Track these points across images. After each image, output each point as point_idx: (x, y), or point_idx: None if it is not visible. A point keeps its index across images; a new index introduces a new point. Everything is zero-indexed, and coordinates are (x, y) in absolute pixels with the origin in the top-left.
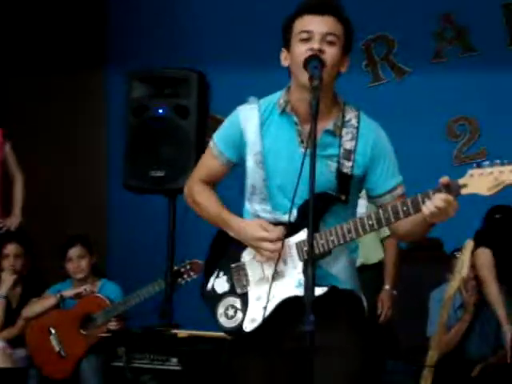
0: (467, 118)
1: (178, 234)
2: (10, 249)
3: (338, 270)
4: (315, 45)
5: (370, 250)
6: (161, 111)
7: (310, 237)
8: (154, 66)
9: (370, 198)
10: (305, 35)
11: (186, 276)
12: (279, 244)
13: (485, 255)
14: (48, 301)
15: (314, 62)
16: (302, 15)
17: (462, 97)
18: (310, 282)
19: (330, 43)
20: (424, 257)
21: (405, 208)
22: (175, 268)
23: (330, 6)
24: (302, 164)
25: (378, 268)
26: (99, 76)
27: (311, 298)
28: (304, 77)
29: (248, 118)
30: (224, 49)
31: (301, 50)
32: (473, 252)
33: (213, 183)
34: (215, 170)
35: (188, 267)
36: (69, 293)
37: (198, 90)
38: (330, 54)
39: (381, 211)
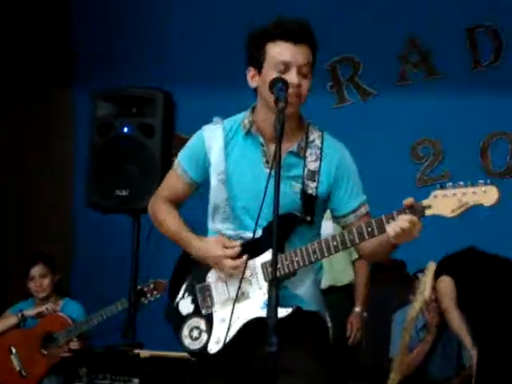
0: (431, 140)
1: (142, 253)
2: None
3: (304, 291)
4: (294, 79)
5: (340, 272)
6: (126, 130)
7: (274, 257)
8: (121, 85)
9: (335, 218)
10: (282, 67)
11: (149, 295)
12: (240, 260)
13: (446, 284)
14: (9, 320)
15: (279, 83)
16: (276, 40)
17: (426, 119)
18: (274, 303)
19: (305, 75)
20: (387, 278)
21: (369, 229)
22: (139, 287)
23: (305, 34)
24: (267, 185)
25: (347, 290)
26: (66, 96)
27: (274, 320)
28: (270, 98)
29: (212, 137)
30: (190, 69)
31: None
32: (436, 275)
33: (177, 203)
34: (179, 190)
35: (152, 286)
36: (30, 312)
37: (163, 109)
38: (305, 86)
39: (345, 232)
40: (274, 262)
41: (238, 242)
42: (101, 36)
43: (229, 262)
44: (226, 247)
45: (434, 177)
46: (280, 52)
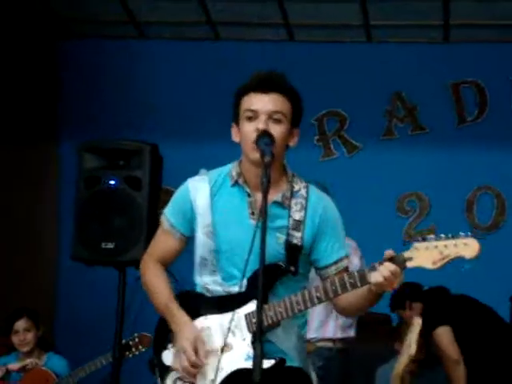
0: (417, 193)
1: (128, 306)
2: None
3: (288, 346)
4: (260, 125)
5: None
6: (113, 183)
7: (259, 310)
8: (107, 138)
9: (316, 270)
10: (250, 114)
11: (134, 349)
12: (193, 369)
13: (447, 333)
14: None
15: (265, 138)
16: (248, 93)
17: (411, 173)
18: (259, 359)
19: (277, 121)
20: (372, 332)
21: (352, 280)
22: (124, 341)
23: (275, 83)
24: (254, 236)
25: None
26: (52, 148)
27: (258, 377)
28: (253, 153)
29: (197, 189)
30: (177, 122)
31: (248, 129)
32: (431, 325)
33: (168, 260)
34: (169, 246)
35: (137, 340)
36: (14, 366)
37: (150, 162)
38: (276, 132)
39: (328, 283)
40: (258, 314)
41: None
42: (87, 89)
43: (184, 362)
44: (195, 350)
45: (420, 230)
46: (250, 102)
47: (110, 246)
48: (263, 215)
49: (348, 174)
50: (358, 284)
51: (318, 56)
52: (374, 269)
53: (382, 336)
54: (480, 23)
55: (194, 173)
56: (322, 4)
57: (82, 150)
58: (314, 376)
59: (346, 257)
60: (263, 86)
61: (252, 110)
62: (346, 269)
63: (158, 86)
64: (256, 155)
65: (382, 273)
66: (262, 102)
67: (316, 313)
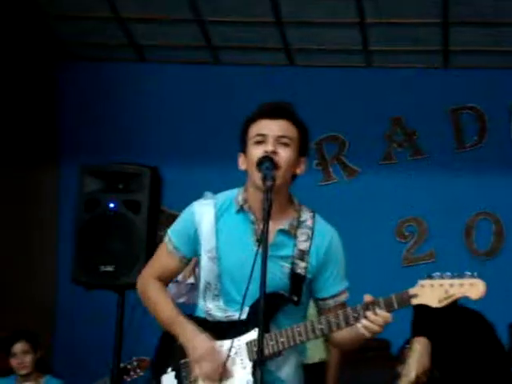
0: (416, 219)
1: (126, 330)
2: None
3: (287, 374)
4: (269, 147)
5: (311, 349)
6: (112, 206)
7: (261, 339)
8: (107, 161)
9: (314, 300)
10: (259, 138)
11: (132, 373)
12: (215, 373)
13: (422, 344)
14: None
15: (266, 163)
16: (256, 120)
17: (410, 198)
18: None
19: (284, 144)
20: (370, 358)
21: (355, 315)
22: (122, 365)
23: (283, 110)
24: (254, 263)
25: (317, 369)
26: (53, 172)
27: None
28: (258, 177)
29: (203, 213)
30: (176, 144)
31: (256, 152)
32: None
33: (167, 279)
34: (170, 266)
35: (135, 364)
36: None
37: (150, 185)
38: (284, 155)
39: (332, 317)
40: (259, 342)
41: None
42: (87, 111)
43: (207, 370)
44: (212, 360)
45: (419, 256)
46: (258, 127)
47: (110, 269)
48: (264, 240)
49: (347, 198)
50: (353, 322)
51: (317, 80)
52: (356, 311)
53: (382, 361)
54: (479, 49)
55: (193, 195)
56: (322, 29)
57: (82, 172)
58: None
59: (346, 290)
60: (272, 112)
61: (261, 135)
62: (344, 303)
63: (158, 109)
64: (260, 180)
65: (373, 320)
66: (270, 127)
67: None
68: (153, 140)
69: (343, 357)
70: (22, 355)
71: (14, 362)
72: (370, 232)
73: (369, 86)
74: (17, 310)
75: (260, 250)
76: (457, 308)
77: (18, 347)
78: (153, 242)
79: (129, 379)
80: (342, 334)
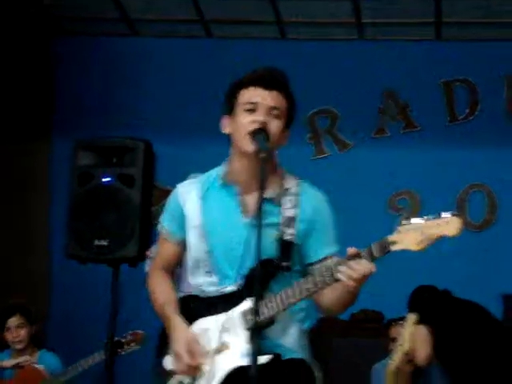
0: (409, 191)
1: (121, 303)
2: None
3: (287, 340)
4: (260, 117)
5: None
6: (106, 180)
7: (256, 304)
8: (100, 135)
9: (303, 267)
10: (250, 106)
11: (126, 347)
12: (191, 368)
13: (423, 333)
14: None
15: (261, 134)
16: (248, 86)
17: (403, 171)
18: (255, 354)
19: (275, 116)
20: (365, 329)
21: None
22: (116, 339)
23: (277, 80)
24: (248, 235)
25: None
26: (46, 146)
27: (256, 372)
28: (247, 145)
29: (186, 192)
30: (168, 119)
31: (245, 120)
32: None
33: (172, 267)
34: (170, 253)
35: (129, 338)
36: (7, 363)
37: (144, 159)
38: (274, 126)
39: (317, 274)
40: (256, 305)
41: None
42: (80, 86)
43: (181, 367)
44: (190, 352)
45: None
46: (250, 95)
47: (104, 243)
48: (259, 212)
49: (339, 172)
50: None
51: (309, 54)
52: (342, 261)
53: (375, 333)
54: (472, 21)
55: (186, 170)
56: (314, 1)
57: (75, 147)
58: (316, 368)
59: (333, 256)
60: (265, 81)
61: (252, 103)
62: None
63: (151, 84)
64: (250, 146)
65: (354, 267)
66: (262, 96)
67: None
68: (146, 115)
69: (342, 327)
70: (16, 329)
71: (8, 336)
72: (363, 205)
73: (361, 58)
74: (11, 284)
75: (252, 221)
76: (459, 300)
77: (13, 321)
78: (147, 216)
79: (123, 352)
80: (328, 296)
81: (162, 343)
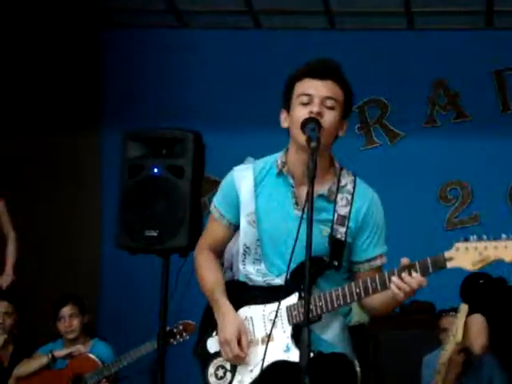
0: (459, 182)
1: (172, 293)
2: (0, 307)
3: (330, 335)
4: (314, 108)
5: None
6: (156, 171)
7: (306, 301)
8: (150, 126)
9: (350, 263)
10: (305, 99)
11: (178, 337)
12: (237, 359)
13: (479, 322)
14: (39, 360)
15: (311, 124)
16: (302, 78)
17: (454, 161)
18: (306, 350)
19: (330, 108)
20: (416, 320)
21: (383, 284)
22: (168, 328)
23: (331, 70)
24: (299, 228)
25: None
26: (95, 137)
27: (306, 367)
28: (302, 138)
29: (242, 177)
30: (219, 110)
31: (301, 113)
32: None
33: (220, 247)
34: (219, 234)
35: (181, 328)
36: (60, 353)
37: (193, 150)
38: (329, 117)
39: (368, 280)
40: (306, 303)
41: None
42: (129, 78)
43: (228, 353)
44: (239, 337)
45: (462, 219)
46: (304, 87)
47: (154, 233)
48: (310, 204)
49: (390, 162)
50: (389, 286)
51: (359, 44)
52: (393, 272)
53: (426, 324)
54: None
55: (236, 161)
56: None
57: (125, 138)
58: (357, 364)
59: (382, 255)
60: (319, 72)
61: (307, 95)
62: (380, 268)
63: (199, 75)
64: (303, 138)
65: (408, 281)
66: (316, 87)
67: None
68: (195, 106)
69: (393, 319)
70: (69, 318)
71: (61, 325)
72: (414, 196)
73: (411, 48)
74: (62, 274)
75: (303, 214)
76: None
77: (66, 310)
78: (197, 207)
79: (175, 342)
80: (376, 298)
81: (205, 325)
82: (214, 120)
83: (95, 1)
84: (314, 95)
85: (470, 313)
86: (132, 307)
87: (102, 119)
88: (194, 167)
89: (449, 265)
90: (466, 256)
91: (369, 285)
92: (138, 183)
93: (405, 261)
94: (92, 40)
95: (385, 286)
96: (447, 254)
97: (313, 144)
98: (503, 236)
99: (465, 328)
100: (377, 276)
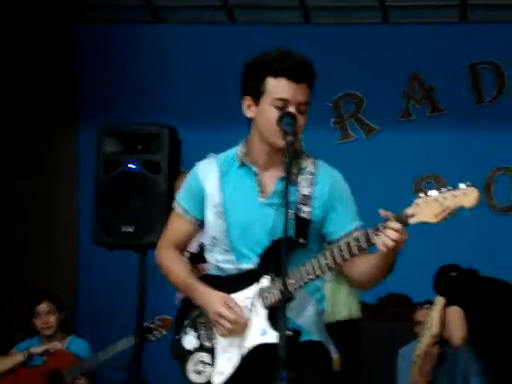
0: (435, 175)
1: (148, 289)
2: None
3: (304, 321)
4: (291, 109)
5: (337, 304)
6: (132, 167)
7: (284, 281)
8: (125, 122)
9: (328, 243)
10: (281, 104)
11: (155, 332)
12: (236, 326)
13: (457, 314)
14: (16, 357)
15: (287, 118)
16: (277, 76)
17: (429, 155)
18: (283, 336)
19: (302, 112)
20: (392, 313)
21: (358, 243)
22: (145, 324)
23: (307, 72)
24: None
25: (344, 327)
26: (71, 133)
27: (283, 356)
28: (275, 136)
29: (206, 171)
30: (194, 105)
31: (275, 116)
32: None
33: (183, 245)
34: (183, 231)
35: (158, 323)
36: (37, 350)
37: (169, 145)
38: (301, 121)
39: (335, 249)
40: (284, 283)
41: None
42: (104, 73)
43: (226, 324)
44: (229, 307)
45: None
46: (281, 89)
47: (130, 229)
48: (285, 195)
49: (365, 156)
50: (365, 245)
51: (334, 38)
52: (377, 229)
53: (402, 316)
54: (497, 3)
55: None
56: None
57: (101, 134)
58: (333, 350)
59: (357, 229)
60: (296, 75)
61: (284, 99)
62: None
63: (175, 70)
64: (281, 142)
65: (388, 234)
66: (293, 92)
67: None
68: (171, 101)
69: (367, 311)
70: (46, 315)
71: (38, 322)
72: (389, 189)
73: (386, 42)
74: (39, 271)
75: (266, 201)
76: (485, 279)
77: (42, 307)
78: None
79: (152, 338)
80: (356, 269)
81: (179, 324)
82: (189, 115)
83: None
84: (291, 101)
85: (447, 305)
86: (109, 303)
87: (78, 115)
88: (170, 163)
89: (411, 221)
90: (426, 209)
91: (336, 253)
92: (113, 179)
93: (385, 213)
94: (67, 36)
95: (351, 252)
96: (408, 211)
97: (289, 138)
98: (461, 184)
99: (442, 320)
100: (342, 244)
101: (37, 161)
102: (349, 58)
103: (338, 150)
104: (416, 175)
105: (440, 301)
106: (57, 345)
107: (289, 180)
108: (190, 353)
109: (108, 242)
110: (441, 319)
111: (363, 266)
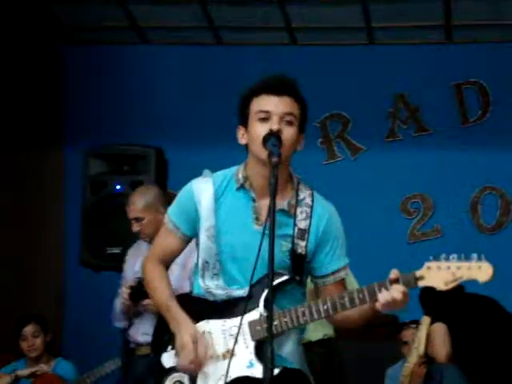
0: (421, 195)
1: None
2: None
3: (287, 350)
4: (274, 126)
5: (315, 325)
6: (118, 188)
7: (270, 317)
8: (111, 143)
9: (313, 278)
10: (263, 115)
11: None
12: (195, 363)
13: (441, 331)
14: (2, 380)
15: (272, 139)
16: (259, 95)
17: (415, 175)
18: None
19: (288, 123)
20: (379, 333)
21: (361, 296)
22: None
23: (287, 85)
24: (261, 244)
25: (323, 345)
26: (58, 154)
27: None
28: (263, 154)
29: (202, 190)
30: (180, 126)
31: (260, 130)
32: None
33: (170, 260)
34: (171, 246)
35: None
36: (23, 372)
37: (155, 166)
38: (288, 133)
39: (336, 297)
40: (270, 319)
41: (205, 346)
42: (91, 94)
43: (184, 358)
44: (194, 342)
45: (425, 232)
46: (262, 102)
47: (117, 250)
48: (271, 219)
49: (352, 176)
50: (367, 299)
51: (320, 59)
52: (384, 285)
53: (389, 337)
54: (482, 23)
55: (199, 176)
56: (324, 7)
57: (87, 155)
58: (311, 378)
59: (345, 267)
60: (275, 88)
61: (265, 111)
62: (343, 280)
63: (161, 91)
64: (265, 155)
65: (392, 293)
66: (274, 104)
67: None
68: (157, 122)
69: (356, 331)
70: (32, 338)
71: (24, 344)
72: (376, 209)
73: (372, 63)
74: (26, 293)
75: (264, 230)
76: (471, 296)
77: (28, 330)
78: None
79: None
80: (345, 314)
81: (157, 340)
82: (176, 136)
83: (55, 18)
84: (273, 112)
85: (432, 322)
86: (96, 325)
87: (64, 136)
88: (157, 183)
89: (420, 283)
90: (438, 275)
91: (337, 302)
92: (100, 200)
93: (395, 272)
94: (52, 57)
95: (353, 304)
96: (418, 273)
97: (274, 159)
98: (473, 255)
99: (428, 338)
100: (345, 294)
101: (23, 183)
102: (335, 78)
103: (324, 170)
104: (402, 195)
105: (427, 320)
106: (43, 367)
107: (274, 201)
108: (168, 371)
109: (94, 263)
110: (426, 337)
111: (352, 312)
